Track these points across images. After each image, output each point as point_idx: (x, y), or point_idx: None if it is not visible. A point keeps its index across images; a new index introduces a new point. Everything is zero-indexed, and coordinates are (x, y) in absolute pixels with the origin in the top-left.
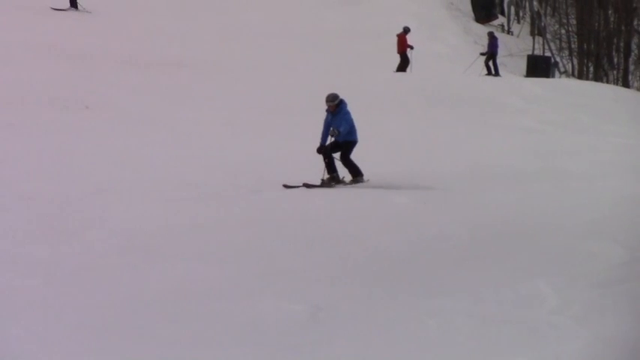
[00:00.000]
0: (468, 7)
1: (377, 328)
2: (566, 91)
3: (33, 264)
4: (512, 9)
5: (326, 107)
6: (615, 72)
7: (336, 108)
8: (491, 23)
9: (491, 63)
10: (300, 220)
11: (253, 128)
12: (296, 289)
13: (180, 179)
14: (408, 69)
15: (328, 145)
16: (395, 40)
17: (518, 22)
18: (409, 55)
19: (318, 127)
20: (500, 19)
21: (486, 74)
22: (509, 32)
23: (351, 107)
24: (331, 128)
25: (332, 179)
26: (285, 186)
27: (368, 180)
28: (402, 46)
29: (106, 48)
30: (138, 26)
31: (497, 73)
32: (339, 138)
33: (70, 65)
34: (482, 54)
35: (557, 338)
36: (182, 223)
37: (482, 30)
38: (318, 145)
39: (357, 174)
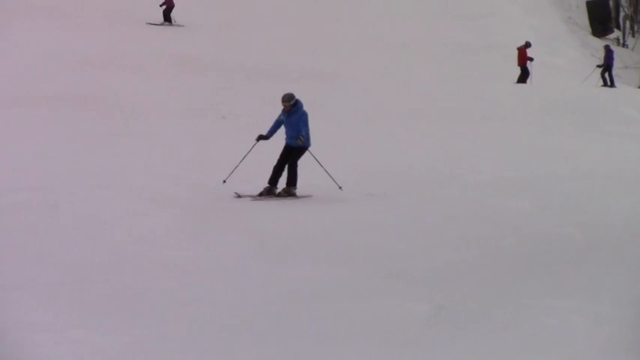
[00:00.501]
0: (585, 21)
1: (497, 327)
2: None
3: (170, 266)
4: (628, 23)
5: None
6: None
7: (292, 108)
8: (607, 37)
9: (607, 75)
10: (418, 224)
11: (383, 137)
12: (418, 288)
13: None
14: (528, 81)
15: (282, 154)
16: (515, 53)
17: (633, 35)
18: (529, 67)
19: (441, 136)
20: (616, 33)
21: (602, 85)
22: (624, 45)
23: (455, 116)
24: (298, 136)
25: (268, 191)
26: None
27: (295, 189)
28: (523, 59)
29: (229, 59)
30: (250, 38)
31: (612, 85)
32: (293, 142)
33: (201, 76)
34: (598, 66)
35: None
36: (312, 226)
37: (598, 43)
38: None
39: (292, 183)
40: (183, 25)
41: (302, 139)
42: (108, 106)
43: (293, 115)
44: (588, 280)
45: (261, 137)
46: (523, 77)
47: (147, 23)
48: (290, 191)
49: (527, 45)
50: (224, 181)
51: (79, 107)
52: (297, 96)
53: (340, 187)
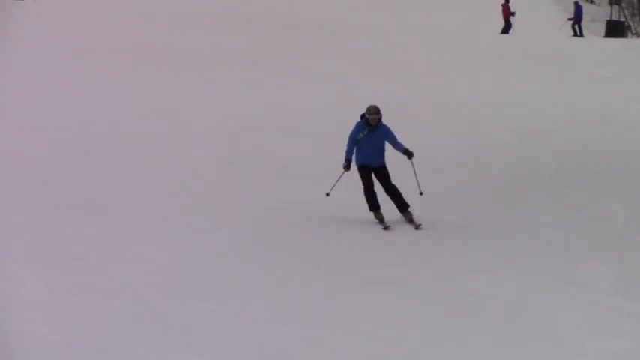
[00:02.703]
0: None
1: (500, 236)
2: (636, 48)
3: None
4: None
5: (362, 120)
6: None
7: (378, 122)
8: None
9: (576, 27)
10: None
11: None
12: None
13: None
14: (511, 31)
15: (370, 178)
16: (499, 9)
17: None
18: (511, 20)
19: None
20: None
21: (573, 35)
22: (591, 2)
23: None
24: (407, 151)
25: (380, 220)
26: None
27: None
28: (506, 13)
29: (271, 15)
30: None
31: (581, 35)
32: (378, 162)
33: (240, 29)
34: (569, 19)
35: (624, 247)
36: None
37: (569, 0)
38: (343, 162)
39: (406, 205)
40: None
41: (410, 152)
42: (163, 55)
43: (379, 129)
44: (557, 199)
45: (348, 165)
46: (506, 29)
47: None
48: (410, 216)
49: (507, 0)
50: (327, 195)
51: (140, 57)
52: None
53: (421, 193)
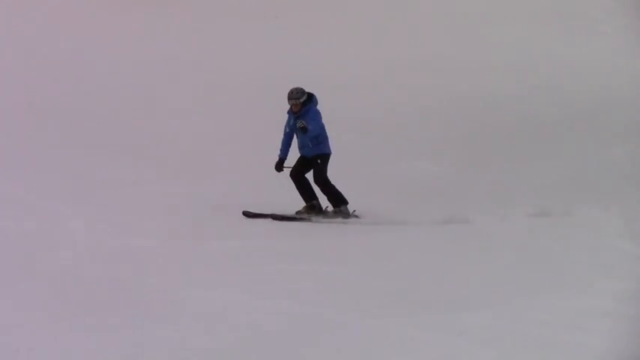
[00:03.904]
0: None
1: (509, 181)
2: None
3: None
4: None
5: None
6: None
7: (302, 107)
8: None
9: None
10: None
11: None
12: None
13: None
14: None
15: (295, 166)
16: None
17: None
18: None
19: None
20: None
21: None
22: None
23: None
24: (299, 121)
25: (310, 208)
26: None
27: (354, 212)
28: None
29: None
30: None
31: None
32: (307, 152)
33: None
34: None
35: (629, 192)
36: None
37: None
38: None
39: (339, 201)
40: None
41: (303, 124)
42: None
43: (304, 116)
44: (566, 148)
45: (280, 165)
46: None
47: None
48: (344, 211)
49: None
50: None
51: (155, 5)
52: None
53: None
